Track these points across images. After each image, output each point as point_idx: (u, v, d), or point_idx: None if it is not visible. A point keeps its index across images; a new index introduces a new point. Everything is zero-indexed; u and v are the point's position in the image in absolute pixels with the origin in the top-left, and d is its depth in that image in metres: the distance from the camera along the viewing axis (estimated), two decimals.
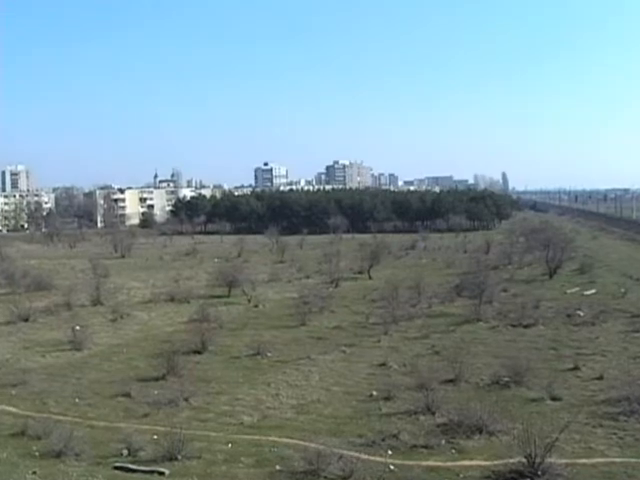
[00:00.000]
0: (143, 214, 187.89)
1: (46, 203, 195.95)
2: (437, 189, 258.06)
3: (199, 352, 39.32)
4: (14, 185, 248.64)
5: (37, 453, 24.36)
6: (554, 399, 29.04)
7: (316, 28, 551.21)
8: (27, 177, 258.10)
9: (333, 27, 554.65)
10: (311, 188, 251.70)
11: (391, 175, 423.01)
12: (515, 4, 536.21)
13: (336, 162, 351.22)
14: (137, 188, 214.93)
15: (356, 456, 22.71)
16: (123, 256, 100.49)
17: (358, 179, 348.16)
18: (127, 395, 31.09)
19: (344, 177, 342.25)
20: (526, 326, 44.44)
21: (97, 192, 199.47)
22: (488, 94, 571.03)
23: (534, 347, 38.85)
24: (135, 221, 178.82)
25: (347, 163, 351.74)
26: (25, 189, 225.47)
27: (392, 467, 22.46)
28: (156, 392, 31.31)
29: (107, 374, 35.71)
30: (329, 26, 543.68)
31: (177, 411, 28.96)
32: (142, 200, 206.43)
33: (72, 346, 41.49)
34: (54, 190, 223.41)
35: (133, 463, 23.12)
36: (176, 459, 23.31)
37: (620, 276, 66.59)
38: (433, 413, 27.45)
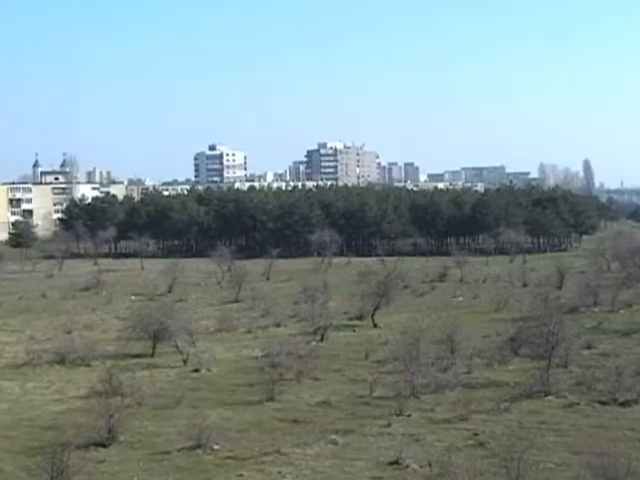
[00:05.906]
0: (15, 225, 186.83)
1: None
2: (481, 187, 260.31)
3: (104, 445, 39.04)
4: None
5: None
6: None
7: None
8: None
9: None
10: (284, 185, 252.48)
11: (408, 165, 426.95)
12: None
13: (322, 145, 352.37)
14: (5, 184, 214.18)
15: None
16: None
17: (357, 171, 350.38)
18: None
19: (335, 168, 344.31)
20: (623, 404, 44.55)
21: None
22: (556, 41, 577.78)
23: (637, 438, 38.96)
24: (2, 235, 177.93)
25: (340, 147, 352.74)
26: None
27: None
28: None
29: None
30: None
31: None
32: (13, 202, 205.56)
33: None
34: None
35: None
36: None
37: None
38: None
